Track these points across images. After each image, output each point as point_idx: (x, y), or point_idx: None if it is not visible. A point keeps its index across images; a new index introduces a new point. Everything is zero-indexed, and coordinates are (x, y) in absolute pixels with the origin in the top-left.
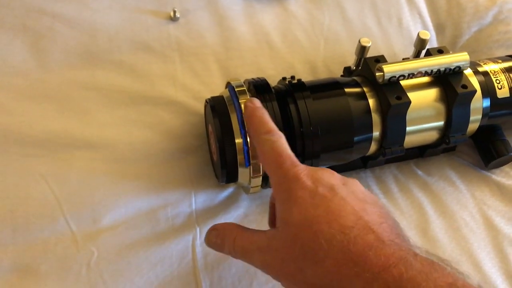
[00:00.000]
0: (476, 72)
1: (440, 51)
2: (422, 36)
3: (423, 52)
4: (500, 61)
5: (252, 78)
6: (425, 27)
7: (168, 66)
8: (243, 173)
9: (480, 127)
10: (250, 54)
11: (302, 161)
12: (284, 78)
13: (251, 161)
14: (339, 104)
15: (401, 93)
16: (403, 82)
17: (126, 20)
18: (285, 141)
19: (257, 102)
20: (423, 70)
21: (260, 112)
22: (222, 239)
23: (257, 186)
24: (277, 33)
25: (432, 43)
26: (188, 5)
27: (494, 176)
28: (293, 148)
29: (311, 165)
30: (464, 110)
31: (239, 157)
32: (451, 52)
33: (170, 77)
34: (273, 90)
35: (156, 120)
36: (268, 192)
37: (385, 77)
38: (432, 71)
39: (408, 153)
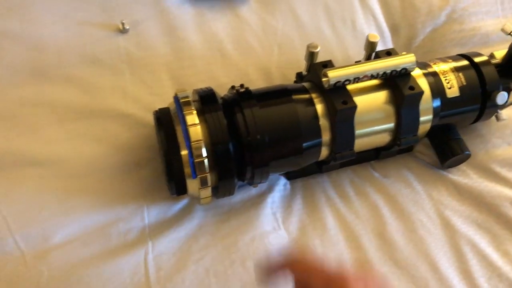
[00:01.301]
0: (425, 73)
1: (388, 53)
2: (371, 39)
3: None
4: (450, 60)
5: (201, 88)
6: (379, 29)
7: (117, 79)
8: (192, 184)
9: (433, 127)
10: (202, 62)
11: (252, 170)
12: (233, 87)
13: (197, 173)
14: (286, 111)
15: (347, 97)
16: (352, 86)
17: (73, 34)
18: None
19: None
20: (368, 73)
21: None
22: None
23: (208, 197)
24: (230, 41)
25: (387, 45)
26: (137, 16)
27: (451, 176)
28: (241, 158)
29: (261, 174)
30: (413, 112)
31: (186, 169)
32: (399, 53)
33: (120, 90)
34: (220, 99)
35: (106, 134)
36: (224, 201)
37: (330, 82)
38: (378, 74)
39: (363, 155)
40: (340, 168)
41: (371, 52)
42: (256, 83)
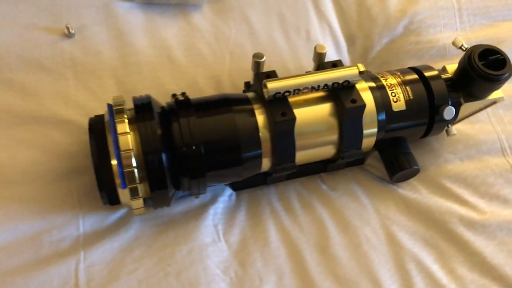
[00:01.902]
0: (371, 86)
1: (334, 65)
2: (319, 50)
3: None
4: (399, 73)
5: (139, 96)
6: (335, 39)
7: (60, 84)
8: (124, 195)
9: (382, 141)
10: (150, 69)
11: (188, 181)
12: (174, 95)
13: (127, 183)
14: (224, 122)
15: (286, 109)
16: (296, 98)
17: (17, 37)
18: None
19: None
20: (309, 85)
21: None
22: None
23: (140, 208)
24: (180, 47)
25: (343, 56)
26: (85, 21)
27: (400, 190)
28: (177, 168)
29: (198, 184)
30: (355, 125)
31: (116, 179)
32: (344, 66)
33: (62, 95)
34: (160, 108)
35: (45, 140)
36: (164, 212)
37: (270, 93)
38: (319, 86)
39: (311, 167)
40: (287, 179)
41: (320, 63)
42: (206, 91)
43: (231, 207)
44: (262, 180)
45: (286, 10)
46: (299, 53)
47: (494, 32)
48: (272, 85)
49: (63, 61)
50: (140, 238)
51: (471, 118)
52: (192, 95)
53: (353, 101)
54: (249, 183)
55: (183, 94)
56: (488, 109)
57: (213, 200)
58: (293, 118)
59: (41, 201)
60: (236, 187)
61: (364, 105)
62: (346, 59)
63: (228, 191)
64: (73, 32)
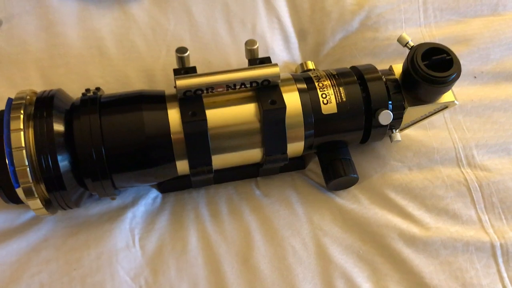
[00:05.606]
0: (300, 87)
1: (262, 62)
2: (248, 46)
3: None
4: (336, 73)
5: (45, 91)
6: (284, 33)
7: None
8: (22, 194)
9: (320, 145)
10: (78, 61)
11: (91, 182)
12: (87, 90)
13: (19, 182)
14: (130, 121)
15: (198, 109)
16: (218, 97)
17: None
18: None
19: None
20: (223, 84)
21: None
22: None
23: (39, 209)
24: (112, 39)
25: (294, 52)
26: (13, 9)
27: (338, 199)
28: (77, 169)
29: (102, 187)
30: (277, 128)
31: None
32: (270, 63)
33: None
34: (67, 104)
35: None
36: (79, 213)
37: (179, 91)
38: (235, 85)
39: (245, 171)
40: (217, 183)
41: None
42: (136, 86)
43: (153, 210)
44: (189, 184)
45: (232, 1)
46: (242, 48)
47: (461, 29)
48: (182, 82)
49: None
50: (50, 239)
51: (425, 123)
52: (121, 89)
53: (273, 102)
54: (177, 186)
55: (98, 89)
56: (446, 114)
57: (133, 203)
58: (204, 119)
59: None
60: (163, 189)
61: (284, 107)
62: (296, 56)
63: (154, 193)
64: None
